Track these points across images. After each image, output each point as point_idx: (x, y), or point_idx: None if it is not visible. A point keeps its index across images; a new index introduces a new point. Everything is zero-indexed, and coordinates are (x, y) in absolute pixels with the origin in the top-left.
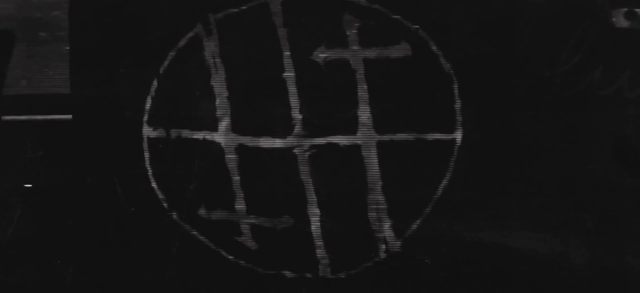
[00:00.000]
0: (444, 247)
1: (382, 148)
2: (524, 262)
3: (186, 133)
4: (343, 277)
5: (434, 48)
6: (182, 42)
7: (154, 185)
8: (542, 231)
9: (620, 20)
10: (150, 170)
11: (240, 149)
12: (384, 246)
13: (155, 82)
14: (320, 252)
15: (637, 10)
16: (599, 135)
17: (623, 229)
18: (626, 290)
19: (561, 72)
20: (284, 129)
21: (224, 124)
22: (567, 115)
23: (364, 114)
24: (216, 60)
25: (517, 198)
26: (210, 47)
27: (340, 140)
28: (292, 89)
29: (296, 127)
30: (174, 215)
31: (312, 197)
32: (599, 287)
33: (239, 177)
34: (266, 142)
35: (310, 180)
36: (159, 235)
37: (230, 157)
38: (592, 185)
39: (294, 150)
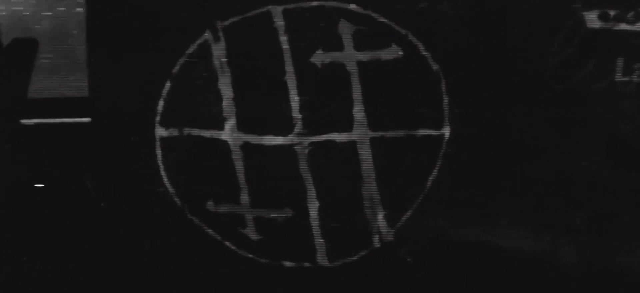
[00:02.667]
0: (434, 236)
1: (376, 144)
2: (514, 256)
3: (195, 132)
4: (340, 265)
5: (422, 50)
6: (191, 48)
7: (165, 181)
8: (532, 227)
9: (593, 20)
10: (162, 167)
11: (245, 146)
12: (377, 235)
13: (167, 85)
14: (318, 242)
15: (610, 11)
16: (592, 130)
17: (615, 227)
18: (618, 290)
19: (553, 65)
20: (286, 128)
21: (230, 123)
22: (558, 110)
23: (359, 112)
24: (223, 64)
25: (506, 190)
26: (218, 52)
27: (337, 137)
28: (292, 90)
29: (296, 125)
30: (185, 209)
31: (311, 190)
32: (591, 286)
33: (243, 172)
34: (269, 140)
35: (310, 174)
36: (170, 228)
37: (236, 154)
38: (584, 182)
39: (295, 147)
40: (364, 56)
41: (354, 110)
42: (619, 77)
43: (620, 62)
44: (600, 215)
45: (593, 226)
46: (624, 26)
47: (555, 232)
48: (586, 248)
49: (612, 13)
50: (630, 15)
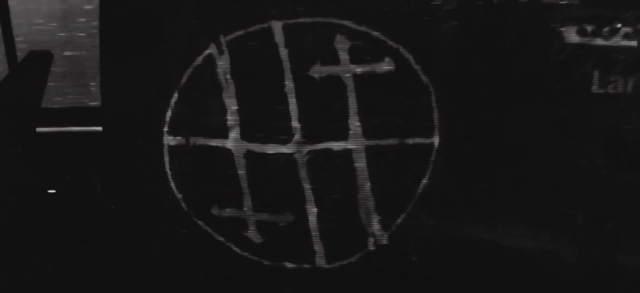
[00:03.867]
0: (426, 238)
1: (370, 152)
2: (506, 256)
3: (201, 140)
4: (337, 266)
5: (413, 64)
6: (198, 61)
7: (173, 186)
8: (522, 227)
9: (571, 36)
10: (170, 174)
11: (248, 154)
12: (372, 239)
13: (175, 96)
14: (316, 245)
15: (588, 26)
16: (590, 129)
17: (615, 225)
18: (618, 288)
19: (552, 65)
20: (286, 137)
21: (233, 132)
22: (543, 117)
23: (354, 122)
24: (227, 76)
25: (494, 193)
26: (222, 65)
27: (334, 145)
28: (292, 101)
29: (296, 135)
30: (192, 213)
31: (309, 195)
32: (591, 285)
33: (246, 178)
34: (270, 148)
35: (308, 180)
36: (177, 231)
37: (239, 161)
38: (572, 184)
39: (294, 155)
40: (359, 69)
41: (349, 120)
42: (594, 89)
43: (596, 75)
44: (602, 213)
45: (583, 229)
46: (600, 41)
47: (549, 231)
48: (581, 250)
49: (589, 28)
50: (605, 30)
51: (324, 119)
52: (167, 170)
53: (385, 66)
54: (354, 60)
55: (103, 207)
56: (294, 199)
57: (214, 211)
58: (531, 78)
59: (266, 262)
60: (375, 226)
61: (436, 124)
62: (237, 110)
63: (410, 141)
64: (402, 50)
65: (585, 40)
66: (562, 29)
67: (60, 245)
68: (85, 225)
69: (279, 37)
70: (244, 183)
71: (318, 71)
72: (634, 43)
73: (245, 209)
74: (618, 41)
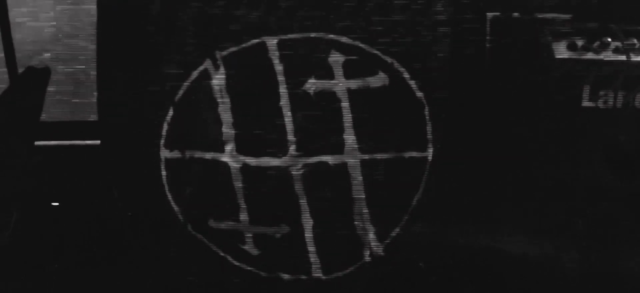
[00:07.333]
0: (421, 249)
1: (365, 165)
2: (499, 264)
3: (198, 154)
4: (333, 278)
5: (407, 78)
6: (193, 76)
7: (170, 199)
8: (513, 237)
9: (560, 50)
10: (167, 187)
11: (244, 168)
12: (368, 250)
13: (171, 111)
14: (313, 256)
15: (578, 40)
16: (581, 141)
17: (615, 233)
18: None
19: (554, 77)
20: (281, 150)
21: (229, 146)
22: (548, 124)
23: (349, 136)
24: (222, 91)
25: (484, 205)
26: (218, 80)
27: (329, 159)
28: (287, 115)
29: (291, 148)
30: (189, 226)
31: (305, 208)
32: (591, 290)
33: (242, 192)
34: (266, 162)
35: (304, 193)
36: (173, 243)
37: (235, 175)
38: (584, 190)
39: (290, 168)
40: (353, 84)
41: (344, 134)
42: (585, 103)
43: (586, 89)
44: (602, 220)
45: (594, 231)
46: (590, 55)
47: (542, 240)
48: (587, 252)
49: (579, 43)
50: (596, 45)
51: (319, 132)
52: (164, 183)
53: (379, 80)
54: (348, 74)
55: (120, 213)
56: (290, 212)
57: (211, 223)
58: (524, 92)
59: (263, 274)
60: (371, 238)
61: (430, 137)
62: (233, 124)
63: (405, 155)
64: (395, 64)
65: (575, 54)
66: (553, 44)
67: (62, 253)
68: (84, 237)
69: (274, 53)
70: (240, 196)
71: (312, 85)
72: (623, 57)
73: (241, 222)
74: (608, 55)
